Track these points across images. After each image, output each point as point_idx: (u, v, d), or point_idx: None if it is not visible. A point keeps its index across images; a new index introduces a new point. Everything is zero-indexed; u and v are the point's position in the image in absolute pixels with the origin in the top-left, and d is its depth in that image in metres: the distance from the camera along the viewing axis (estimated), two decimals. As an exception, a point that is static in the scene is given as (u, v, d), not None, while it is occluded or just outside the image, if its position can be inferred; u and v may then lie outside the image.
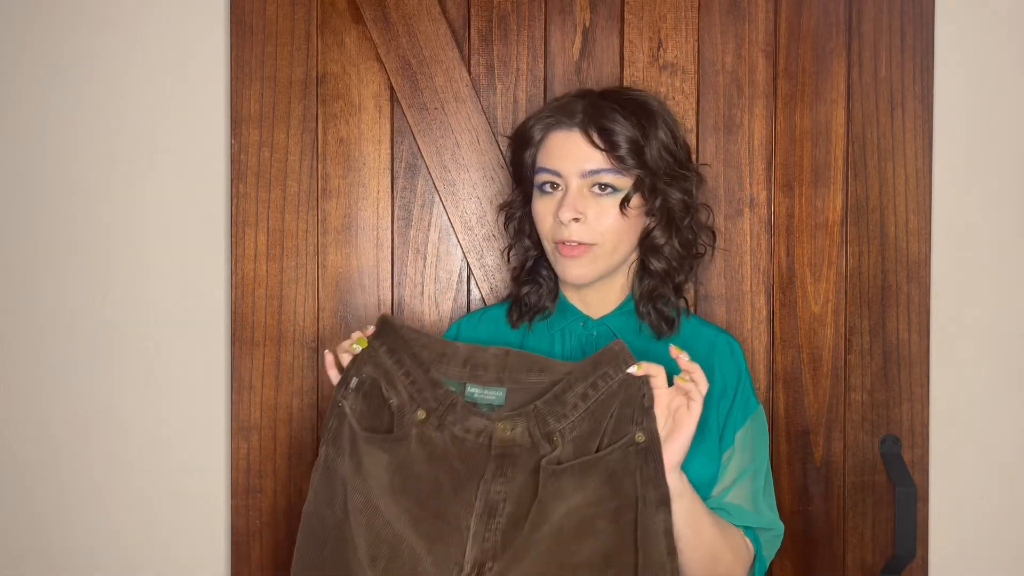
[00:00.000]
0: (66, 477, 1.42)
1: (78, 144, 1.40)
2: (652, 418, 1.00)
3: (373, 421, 1.06)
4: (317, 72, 1.38)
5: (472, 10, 1.38)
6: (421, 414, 1.04)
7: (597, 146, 1.09)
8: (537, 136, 1.14)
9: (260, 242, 1.39)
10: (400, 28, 1.38)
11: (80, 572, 1.42)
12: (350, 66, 1.39)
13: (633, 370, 1.01)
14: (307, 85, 1.38)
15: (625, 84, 1.37)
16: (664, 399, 1.01)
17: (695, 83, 1.37)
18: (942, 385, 1.38)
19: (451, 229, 1.39)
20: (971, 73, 1.38)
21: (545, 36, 1.38)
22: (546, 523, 0.99)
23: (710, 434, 1.12)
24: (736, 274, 1.38)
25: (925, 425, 1.37)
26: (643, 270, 1.16)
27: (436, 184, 1.38)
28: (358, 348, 1.08)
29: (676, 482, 1.00)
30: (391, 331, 1.07)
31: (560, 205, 1.10)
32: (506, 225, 1.25)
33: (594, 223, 1.09)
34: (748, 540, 1.10)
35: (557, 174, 1.11)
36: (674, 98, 1.37)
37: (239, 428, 1.39)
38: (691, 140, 1.37)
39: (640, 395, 1.01)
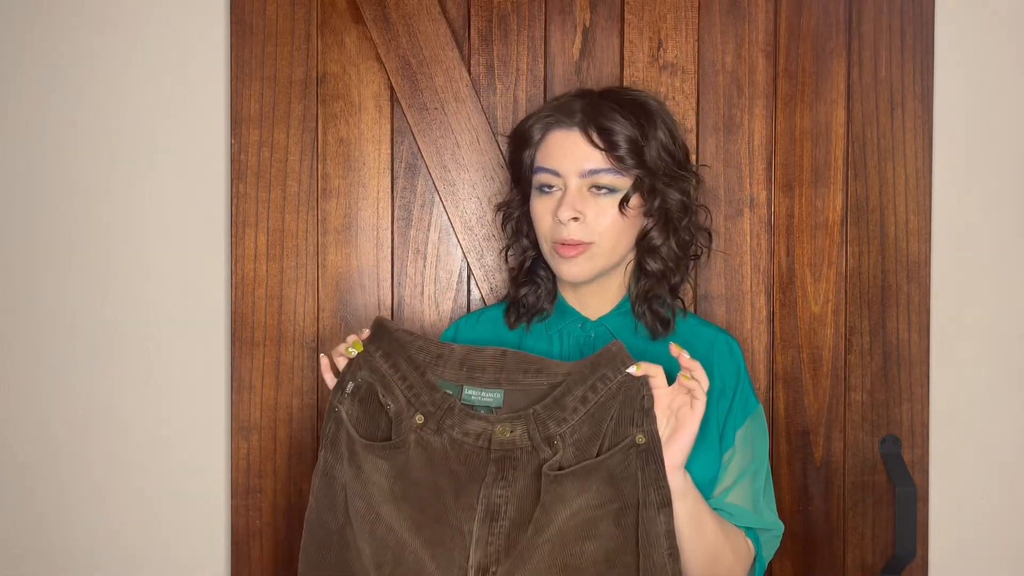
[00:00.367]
0: (66, 477, 1.42)
1: (78, 144, 1.40)
2: (652, 419, 1.00)
3: (370, 427, 1.06)
4: (317, 72, 1.38)
5: (472, 10, 1.38)
6: (419, 419, 1.04)
7: (596, 145, 1.09)
8: (536, 136, 1.14)
9: (260, 242, 1.39)
10: (400, 28, 1.38)
11: (80, 572, 1.42)
12: (350, 66, 1.39)
13: (632, 371, 1.00)
14: (307, 85, 1.38)
15: (625, 84, 1.37)
16: (665, 399, 1.01)
17: (695, 83, 1.37)
18: (942, 385, 1.38)
19: (451, 229, 1.39)
20: (971, 73, 1.38)
21: (545, 36, 1.38)
22: (549, 527, 0.99)
23: (710, 434, 1.12)
24: (736, 274, 1.38)
25: (925, 425, 1.37)
26: (639, 270, 1.16)
27: (436, 184, 1.38)
28: (353, 352, 1.07)
29: (680, 482, 1.00)
30: (386, 334, 1.07)
31: (559, 205, 1.09)
32: (504, 225, 1.24)
33: (593, 223, 1.09)
34: (749, 540, 1.10)
35: (556, 174, 1.10)
36: (674, 98, 1.37)
37: (239, 428, 1.39)
38: (691, 140, 1.37)
39: (640, 396, 1.01)
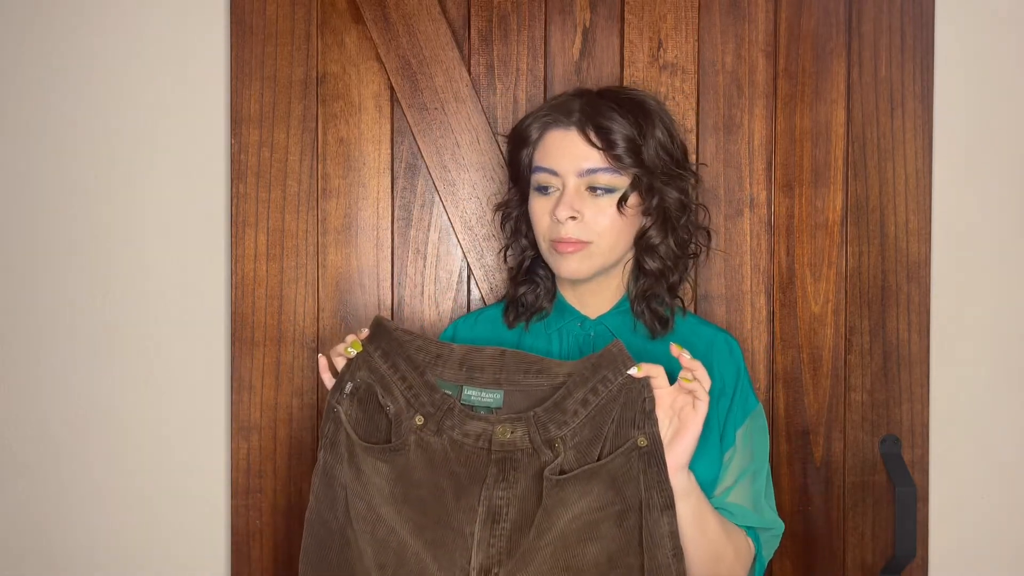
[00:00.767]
0: (66, 477, 1.42)
1: (78, 144, 1.40)
2: (654, 421, 1.00)
3: (369, 428, 1.06)
4: (317, 72, 1.38)
5: (472, 10, 1.38)
6: (419, 420, 1.04)
7: (594, 145, 1.09)
8: (534, 135, 1.14)
9: (260, 242, 1.39)
10: (400, 28, 1.38)
11: (80, 572, 1.42)
12: (350, 66, 1.39)
13: (633, 372, 1.00)
14: (307, 85, 1.38)
15: (625, 84, 1.37)
16: (666, 399, 1.01)
17: (695, 83, 1.37)
18: (942, 385, 1.38)
19: (451, 229, 1.39)
20: (971, 73, 1.38)
21: (545, 36, 1.38)
22: (551, 530, 0.99)
23: (711, 434, 1.12)
24: (736, 274, 1.38)
25: (925, 425, 1.37)
26: (638, 269, 1.16)
27: (436, 184, 1.38)
28: (352, 352, 1.07)
29: (684, 482, 1.00)
30: (385, 334, 1.06)
31: (557, 204, 1.10)
32: (502, 224, 1.24)
33: (591, 222, 1.09)
34: (749, 540, 1.10)
35: (554, 173, 1.10)
36: (674, 98, 1.37)
37: (239, 428, 1.39)
38: (691, 140, 1.37)
39: (641, 398, 1.00)
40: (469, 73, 1.38)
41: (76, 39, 1.40)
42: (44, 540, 1.42)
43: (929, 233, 1.37)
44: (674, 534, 0.99)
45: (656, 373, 1.01)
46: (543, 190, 1.12)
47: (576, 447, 1.01)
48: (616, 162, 1.08)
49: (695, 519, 1.02)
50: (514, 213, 1.21)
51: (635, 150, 1.09)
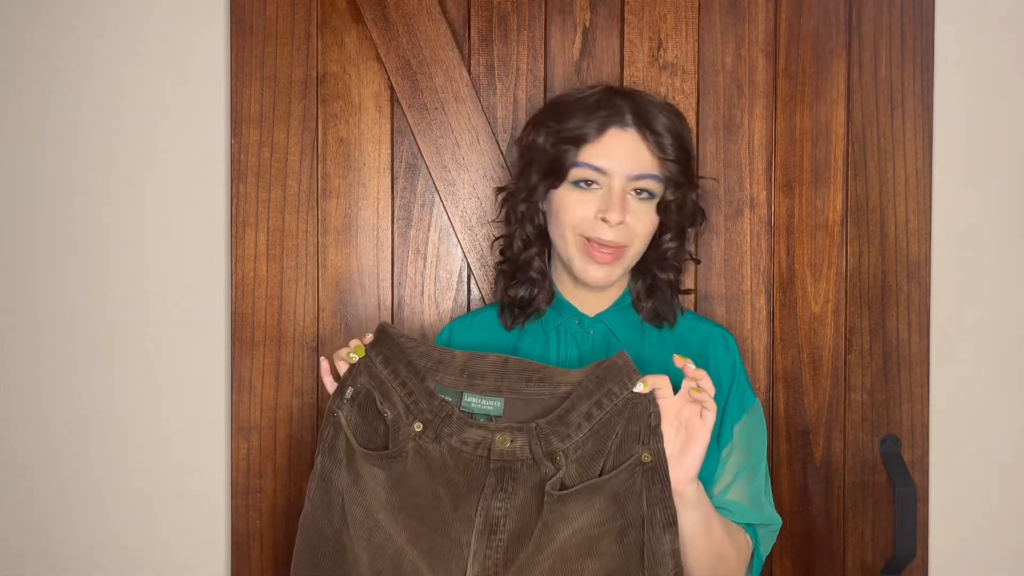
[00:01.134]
0: (66, 477, 1.42)
1: (78, 144, 1.40)
2: (659, 437, 0.99)
3: (367, 433, 1.05)
4: (317, 72, 1.38)
5: (472, 10, 1.38)
6: (418, 426, 1.02)
7: (652, 152, 1.08)
8: (592, 134, 1.08)
9: (260, 242, 1.39)
10: (400, 28, 1.38)
11: (80, 572, 1.42)
12: (350, 66, 1.39)
13: (639, 388, 0.99)
14: (307, 85, 1.38)
15: (625, 84, 1.37)
16: (672, 409, 0.99)
17: (695, 83, 1.37)
18: (942, 385, 1.38)
19: (451, 229, 1.39)
20: (971, 73, 1.38)
21: (545, 36, 1.38)
22: (550, 544, 0.98)
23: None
24: (736, 274, 1.38)
25: (925, 425, 1.37)
26: (644, 270, 1.16)
27: (436, 184, 1.38)
28: (355, 357, 1.06)
29: (694, 493, 0.99)
30: (388, 340, 1.06)
31: (607, 205, 1.07)
32: (506, 212, 1.19)
33: (632, 226, 1.09)
34: (748, 536, 1.10)
35: (602, 172, 1.08)
36: (674, 98, 1.37)
37: (239, 428, 1.39)
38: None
39: (647, 413, 0.99)
40: (469, 73, 1.38)
41: (76, 39, 1.40)
42: (44, 540, 1.42)
43: (929, 233, 1.37)
44: (675, 552, 0.97)
45: (661, 384, 0.99)
46: (584, 184, 1.09)
47: (578, 461, 0.99)
48: (668, 169, 1.08)
49: (703, 527, 1.01)
50: (522, 197, 1.15)
51: (685, 158, 1.10)
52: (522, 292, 1.17)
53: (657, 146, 1.08)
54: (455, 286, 1.40)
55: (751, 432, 1.14)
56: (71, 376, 1.41)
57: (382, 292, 1.39)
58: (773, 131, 1.37)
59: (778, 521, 1.13)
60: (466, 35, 1.39)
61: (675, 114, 1.12)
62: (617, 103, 1.10)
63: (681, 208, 1.12)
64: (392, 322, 1.39)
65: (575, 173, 1.09)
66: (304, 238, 1.39)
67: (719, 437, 1.13)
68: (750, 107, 1.37)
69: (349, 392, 1.06)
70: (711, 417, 0.97)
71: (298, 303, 1.39)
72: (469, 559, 0.98)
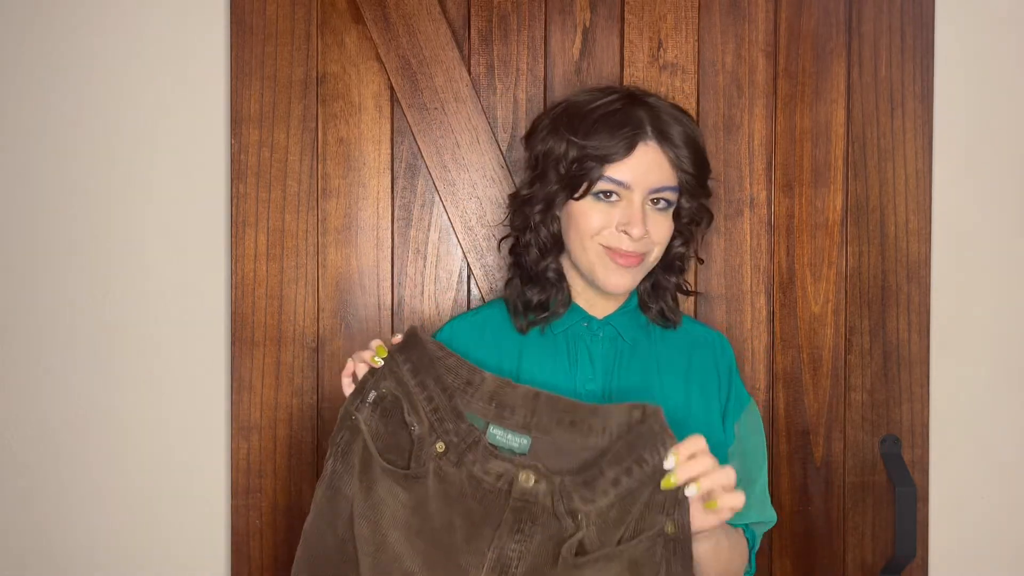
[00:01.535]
0: (66, 477, 1.42)
1: (78, 144, 1.40)
2: (685, 509, 0.94)
3: (390, 444, 1.01)
4: (317, 72, 1.38)
5: (472, 10, 1.38)
6: (440, 447, 0.99)
7: (674, 165, 1.09)
8: (622, 153, 1.07)
9: (260, 242, 1.39)
10: (400, 28, 1.38)
11: (80, 572, 1.42)
12: (350, 66, 1.39)
13: (669, 464, 0.93)
14: (307, 85, 1.38)
15: (625, 84, 1.37)
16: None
17: (695, 83, 1.37)
18: (942, 385, 1.38)
19: (451, 229, 1.39)
20: (971, 73, 1.38)
21: (545, 36, 1.38)
22: None
23: (714, 432, 1.13)
24: (736, 274, 1.38)
25: (925, 425, 1.37)
26: (660, 272, 1.18)
27: (436, 184, 1.38)
28: (379, 360, 1.02)
29: (708, 532, 0.99)
30: (418, 347, 1.01)
31: (630, 220, 1.07)
32: (521, 218, 1.17)
33: (652, 236, 1.10)
34: (745, 537, 1.12)
35: (625, 186, 1.08)
36: (674, 98, 1.37)
37: (239, 428, 1.39)
38: (691, 140, 1.37)
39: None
40: (469, 73, 1.38)
41: (76, 39, 1.40)
42: (44, 540, 1.42)
43: (929, 233, 1.37)
44: None
45: (695, 450, 0.93)
46: (604, 195, 1.09)
47: (599, 525, 0.95)
48: (687, 181, 1.10)
49: (713, 554, 1.02)
50: (538, 207, 1.14)
51: (702, 169, 1.12)
52: (539, 296, 1.16)
53: (677, 159, 1.09)
54: (455, 286, 1.40)
55: (751, 430, 1.16)
56: (71, 376, 1.41)
57: (382, 292, 1.39)
58: (773, 131, 1.37)
59: (775, 518, 1.15)
60: (466, 35, 1.39)
61: (688, 120, 1.13)
62: (638, 116, 1.09)
63: (694, 214, 1.14)
64: (392, 322, 1.39)
65: (598, 186, 1.09)
66: (304, 238, 1.39)
67: (724, 429, 1.15)
68: (750, 107, 1.37)
69: (372, 396, 1.01)
70: (727, 515, 0.94)
71: (298, 303, 1.39)
72: None
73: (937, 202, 1.38)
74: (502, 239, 1.27)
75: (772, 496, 1.36)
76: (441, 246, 1.40)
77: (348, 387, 1.05)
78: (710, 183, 1.16)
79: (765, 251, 1.37)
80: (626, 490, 0.94)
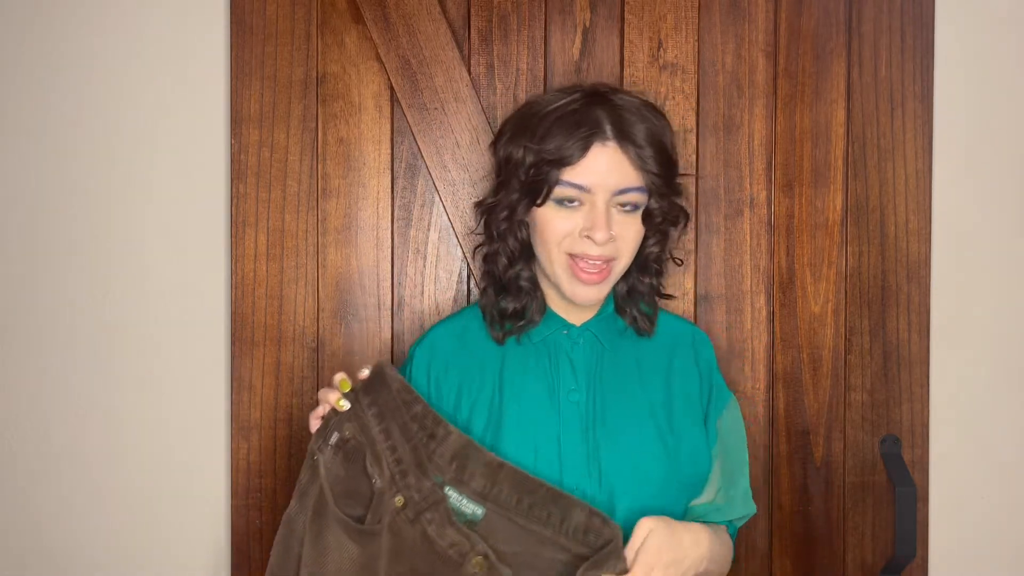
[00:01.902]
0: (66, 477, 1.42)
1: (78, 144, 1.40)
2: None
3: (349, 490, 0.98)
4: (317, 72, 1.38)
5: (472, 10, 1.38)
6: (399, 501, 0.96)
7: (635, 165, 1.05)
8: (576, 155, 1.04)
9: (260, 242, 1.39)
10: (400, 28, 1.38)
11: (80, 572, 1.42)
12: (350, 66, 1.39)
13: None
14: (307, 85, 1.38)
15: (625, 84, 1.37)
16: None
17: (695, 83, 1.37)
18: (942, 385, 1.38)
19: (451, 229, 1.39)
20: (971, 73, 1.38)
21: (545, 36, 1.38)
22: None
23: (696, 428, 1.13)
24: (736, 274, 1.38)
25: (925, 425, 1.37)
26: (626, 275, 1.15)
27: (436, 184, 1.38)
28: (344, 403, 0.99)
29: (697, 572, 1.02)
30: (384, 388, 0.98)
31: (592, 224, 1.05)
32: (487, 226, 1.15)
33: (619, 240, 1.07)
34: (728, 533, 1.15)
35: (585, 189, 1.05)
36: (674, 98, 1.37)
37: (239, 428, 1.39)
38: (691, 140, 1.37)
39: None
40: (469, 73, 1.38)
41: (76, 39, 1.40)
42: (44, 540, 1.42)
43: (929, 233, 1.37)
44: None
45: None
46: (565, 203, 1.06)
47: None
48: (653, 181, 1.06)
49: (713, 564, 1.06)
50: (503, 215, 1.12)
51: (669, 168, 1.08)
52: (513, 304, 1.13)
53: (639, 159, 1.05)
54: (455, 286, 1.40)
55: (732, 427, 1.16)
56: (71, 376, 1.41)
57: (382, 292, 1.39)
58: (773, 131, 1.37)
59: (755, 510, 1.17)
60: (466, 35, 1.39)
61: (654, 116, 1.09)
62: (596, 115, 1.05)
63: (666, 214, 1.10)
64: (392, 322, 1.39)
65: (557, 192, 1.06)
66: (304, 238, 1.39)
67: (706, 425, 1.15)
68: (750, 107, 1.37)
69: (335, 438, 0.98)
70: None
71: (298, 303, 1.39)
72: None
73: (937, 202, 1.38)
74: (476, 248, 1.23)
75: (772, 496, 1.37)
76: (441, 246, 1.40)
77: (315, 425, 1.03)
78: (680, 181, 1.13)
79: (765, 251, 1.37)
80: None
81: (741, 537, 1.36)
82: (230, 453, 1.40)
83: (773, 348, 1.38)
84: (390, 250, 1.39)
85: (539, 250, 1.10)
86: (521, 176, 1.09)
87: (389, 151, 1.39)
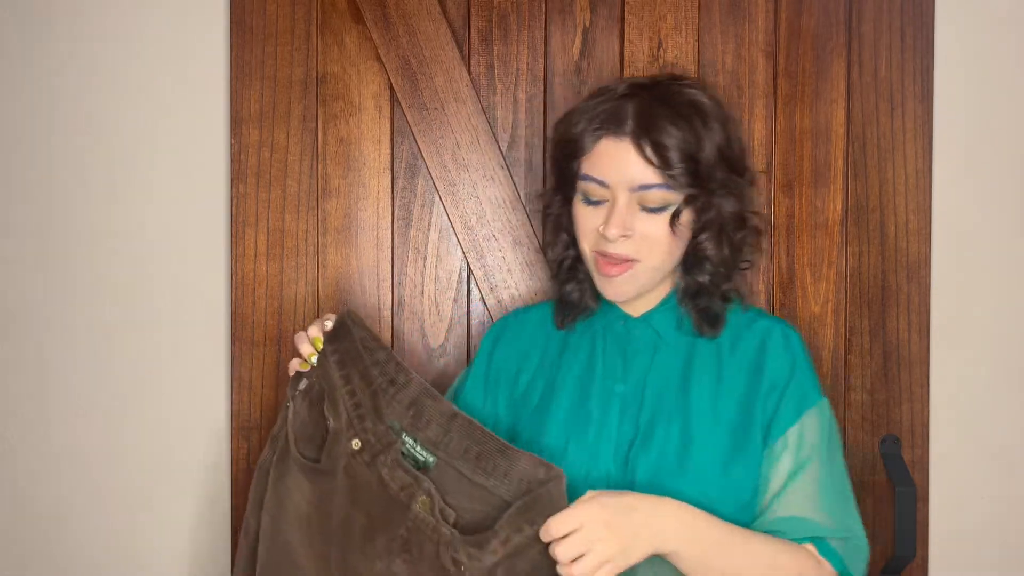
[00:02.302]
0: (66, 477, 1.42)
1: (78, 144, 1.40)
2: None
3: (312, 434, 1.00)
4: (317, 72, 1.38)
5: (472, 10, 1.38)
6: (356, 444, 0.98)
7: (650, 162, 1.01)
8: (587, 146, 1.04)
9: (260, 242, 1.39)
10: (400, 28, 1.38)
11: (80, 572, 1.42)
12: (350, 66, 1.39)
13: (542, 533, 0.90)
14: (307, 85, 1.38)
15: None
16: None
17: (695, 83, 1.37)
18: (942, 385, 1.38)
19: (451, 229, 1.39)
20: (971, 73, 1.38)
21: (545, 36, 1.38)
22: None
23: (752, 438, 1.04)
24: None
25: (925, 425, 1.37)
26: (686, 274, 1.10)
27: (436, 184, 1.38)
28: (314, 359, 1.01)
29: (660, 550, 0.93)
30: (347, 336, 1.00)
31: (607, 220, 1.03)
32: (543, 221, 1.19)
33: (640, 240, 1.03)
34: (820, 557, 0.99)
35: (604, 185, 1.03)
36: (674, 98, 1.37)
37: (239, 428, 1.39)
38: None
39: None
40: (469, 73, 1.38)
41: (76, 39, 1.40)
42: (44, 540, 1.42)
43: (929, 233, 1.37)
44: None
45: (556, 533, 0.90)
46: (591, 201, 1.05)
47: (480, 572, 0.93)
48: (672, 181, 1.01)
49: (701, 562, 0.94)
50: (554, 212, 1.14)
51: (693, 167, 1.01)
52: (572, 291, 1.14)
53: (657, 156, 1.00)
54: (455, 286, 1.40)
55: (811, 434, 1.04)
56: (71, 376, 1.41)
57: (382, 292, 1.39)
58: (773, 131, 1.37)
59: (860, 531, 1.02)
60: (466, 35, 1.39)
61: (704, 114, 1.03)
62: (623, 109, 1.03)
63: (705, 213, 1.04)
64: (392, 322, 1.39)
65: (582, 187, 1.06)
66: (304, 238, 1.39)
67: (765, 441, 1.05)
68: (750, 107, 1.37)
69: (303, 384, 1.01)
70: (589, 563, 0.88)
71: (298, 303, 1.39)
72: None
73: (937, 202, 1.37)
74: (545, 239, 1.27)
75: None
76: (441, 246, 1.40)
77: (292, 370, 1.05)
78: (739, 182, 1.05)
79: (765, 251, 1.37)
80: (514, 548, 0.91)
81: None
82: (230, 453, 1.40)
83: (773, 348, 1.38)
84: (390, 250, 1.39)
85: (579, 246, 1.11)
86: (553, 166, 1.12)
87: (389, 151, 1.39)
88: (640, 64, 1.37)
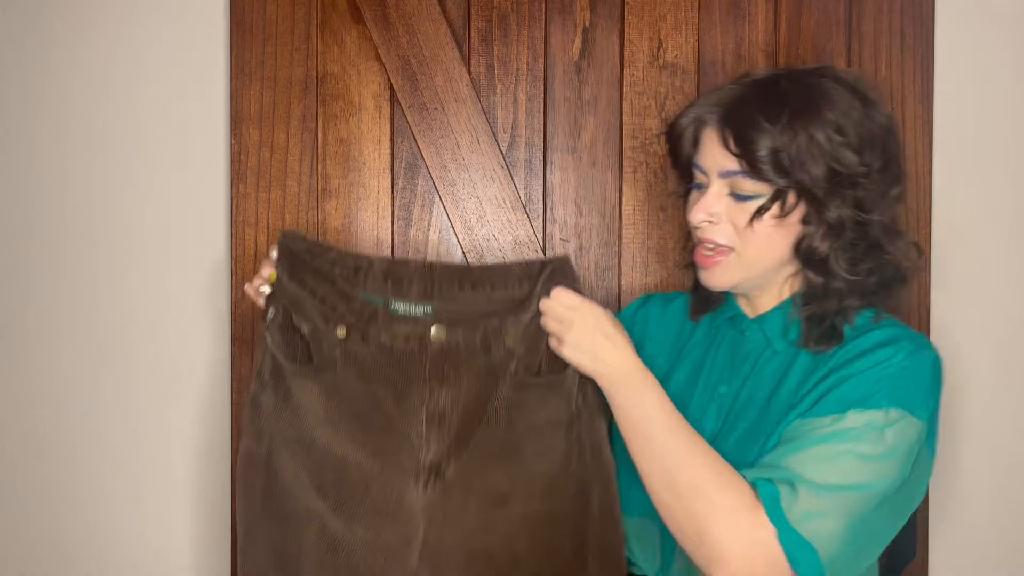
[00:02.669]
0: (65, 477, 1.42)
1: (78, 144, 1.40)
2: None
3: (290, 352, 1.03)
4: (317, 72, 1.38)
5: (472, 10, 1.38)
6: (340, 332, 1.01)
7: (729, 148, 0.98)
8: (689, 134, 1.05)
9: (260, 242, 1.39)
10: (400, 28, 1.38)
11: (80, 572, 1.42)
12: (350, 66, 1.39)
13: (542, 304, 1.00)
14: (307, 85, 1.38)
15: (625, 84, 1.37)
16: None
17: (695, 83, 1.37)
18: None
19: (451, 229, 1.39)
20: (971, 73, 1.38)
21: (545, 36, 1.38)
22: (505, 431, 1.00)
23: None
24: (736, 274, 1.37)
25: (925, 425, 1.37)
26: (807, 272, 1.02)
27: (436, 184, 1.38)
28: (265, 289, 1.04)
29: (600, 382, 0.99)
30: (290, 253, 1.04)
31: (694, 204, 1.02)
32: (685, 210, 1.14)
33: (730, 228, 1.00)
34: (751, 489, 0.90)
35: (703, 171, 1.02)
36: (674, 98, 1.37)
37: (239, 428, 1.39)
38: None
39: None
40: (469, 73, 1.38)
41: (76, 39, 1.40)
42: (44, 540, 1.42)
43: (929, 233, 1.37)
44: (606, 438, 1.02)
45: (549, 310, 1.00)
46: (697, 187, 1.05)
47: (527, 343, 1.00)
48: (756, 173, 0.96)
49: (623, 422, 0.97)
50: (683, 203, 1.11)
51: (778, 162, 0.95)
52: (696, 282, 1.12)
53: (740, 147, 0.96)
54: (455, 286, 1.40)
55: (889, 433, 0.93)
56: (69, 377, 1.41)
57: (382, 292, 1.39)
58: (773, 131, 1.37)
59: (797, 479, 0.89)
60: (466, 35, 1.39)
61: (806, 101, 0.96)
62: (725, 95, 1.02)
63: (817, 211, 0.97)
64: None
65: (695, 174, 1.05)
66: (304, 238, 1.39)
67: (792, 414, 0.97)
68: (750, 107, 1.37)
69: (271, 314, 1.03)
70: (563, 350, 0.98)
71: (298, 303, 1.39)
72: (421, 450, 0.99)
73: (937, 202, 1.37)
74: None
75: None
76: (441, 246, 1.40)
77: (261, 305, 1.06)
78: (845, 181, 0.96)
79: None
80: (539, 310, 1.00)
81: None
82: (230, 453, 1.40)
83: (773, 348, 1.37)
84: (390, 250, 1.39)
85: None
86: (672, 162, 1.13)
87: (389, 151, 1.39)
88: (640, 64, 1.37)
